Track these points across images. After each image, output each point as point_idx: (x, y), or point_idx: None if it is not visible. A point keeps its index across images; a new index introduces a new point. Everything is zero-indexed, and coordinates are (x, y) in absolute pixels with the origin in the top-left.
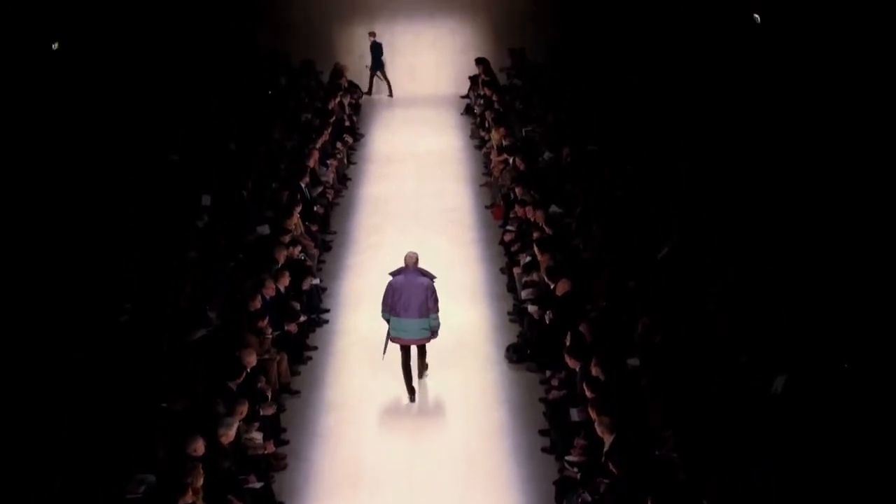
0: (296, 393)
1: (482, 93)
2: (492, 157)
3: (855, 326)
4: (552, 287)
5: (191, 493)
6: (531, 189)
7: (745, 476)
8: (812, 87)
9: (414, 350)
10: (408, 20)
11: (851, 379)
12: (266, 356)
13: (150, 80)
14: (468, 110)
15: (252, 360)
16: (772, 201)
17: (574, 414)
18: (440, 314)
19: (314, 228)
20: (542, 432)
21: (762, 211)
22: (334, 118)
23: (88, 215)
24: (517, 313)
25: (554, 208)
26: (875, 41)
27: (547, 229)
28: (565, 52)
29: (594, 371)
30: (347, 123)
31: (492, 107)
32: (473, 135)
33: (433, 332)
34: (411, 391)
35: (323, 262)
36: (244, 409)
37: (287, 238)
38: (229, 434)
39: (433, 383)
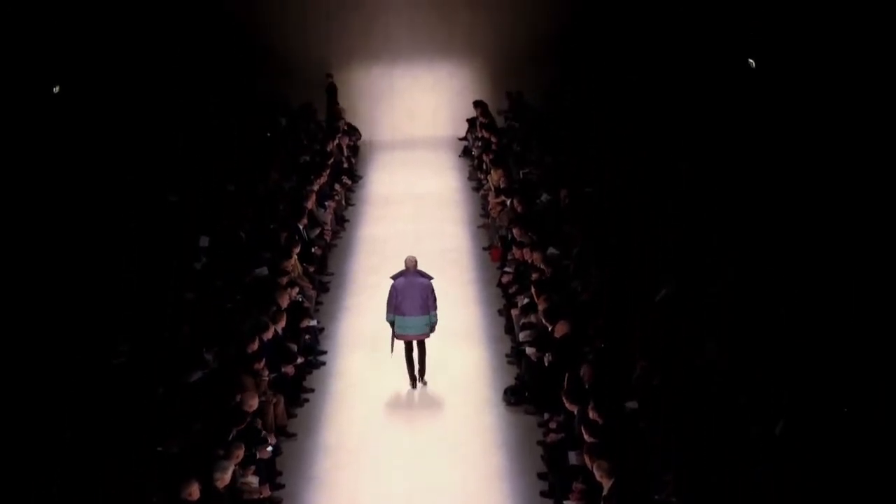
0: (292, 436)
1: (480, 135)
2: (489, 198)
3: (855, 365)
4: (550, 329)
5: None
6: (529, 231)
7: None
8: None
9: (415, 345)
10: (407, 63)
11: (851, 423)
12: (263, 398)
13: (150, 122)
14: (466, 152)
15: (253, 403)
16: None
17: (573, 457)
18: (438, 312)
19: (312, 269)
20: (541, 476)
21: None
22: (333, 160)
23: (86, 257)
24: (515, 355)
25: (552, 250)
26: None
27: (545, 271)
28: (563, 95)
29: (592, 414)
30: (346, 165)
31: (490, 149)
32: (471, 176)
33: (431, 328)
34: (413, 379)
35: (321, 303)
36: (240, 453)
37: (286, 280)
38: (225, 478)
39: (430, 424)
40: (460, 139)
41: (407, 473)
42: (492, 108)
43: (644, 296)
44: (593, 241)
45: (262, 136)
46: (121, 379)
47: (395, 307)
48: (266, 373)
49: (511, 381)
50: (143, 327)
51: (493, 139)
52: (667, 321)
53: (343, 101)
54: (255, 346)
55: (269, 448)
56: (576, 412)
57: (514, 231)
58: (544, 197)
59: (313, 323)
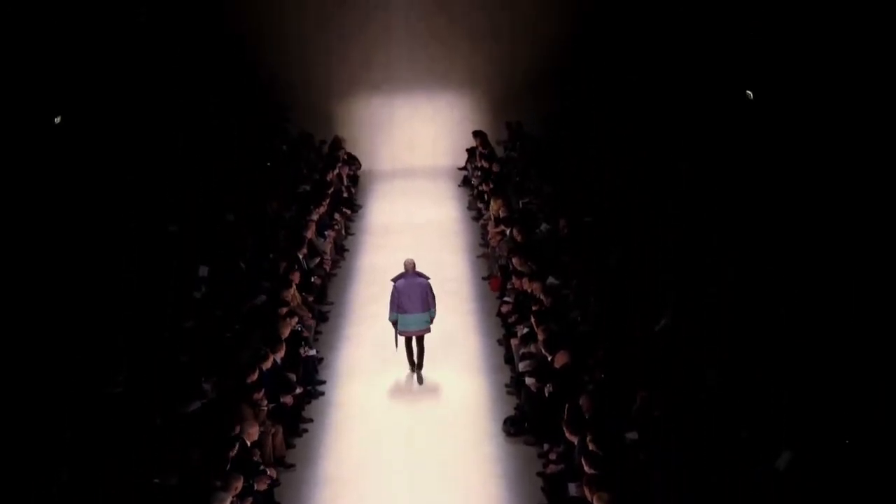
0: (290, 466)
1: (479, 165)
2: (489, 228)
3: (857, 394)
4: (550, 359)
5: None
6: (528, 260)
7: None
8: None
9: (414, 339)
10: (407, 94)
11: (853, 454)
12: (261, 428)
13: (152, 150)
14: (465, 182)
15: (254, 433)
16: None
17: (573, 489)
18: (437, 311)
19: (311, 299)
20: None
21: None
22: (332, 189)
23: (86, 286)
24: (515, 385)
25: (551, 280)
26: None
27: (544, 301)
28: (562, 125)
29: (592, 446)
30: (346, 195)
31: (489, 179)
32: (471, 206)
33: (430, 320)
34: (412, 363)
35: (320, 332)
36: (238, 485)
37: (286, 310)
38: None
39: (429, 455)
40: (460, 169)
41: None
42: (491, 139)
43: (644, 326)
44: (593, 271)
45: (263, 165)
46: (118, 409)
47: (398, 306)
48: (265, 403)
49: (511, 412)
50: (141, 356)
51: (492, 169)
52: (667, 351)
53: (343, 131)
54: (255, 376)
55: (268, 480)
56: (576, 443)
57: (514, 261)
58: (544, 226)
59: (312, 352)
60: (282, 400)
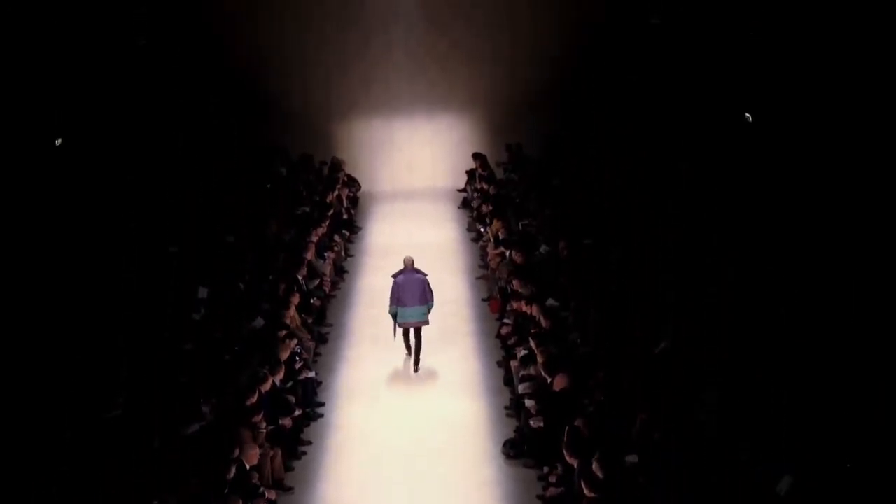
0: (289, 489)
1: (479, 186)
2: (489, 249)
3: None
4: (549, 381)
5: None
6: (528, 282)
7: None
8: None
9: (412, 332)
10: (407, 115)
11: (854, 478)
12: (260, 451)
13: (150, 171)
14: (465, 204)
15: (254, 455)
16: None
17: None
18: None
19: (310, 321)
20: None
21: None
22: (332, 211)
23: (85, 307)
24: (514, 407)
25: (551, 302)
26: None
27: (544, 323)
28: (562, 146)
29: (592, 468)
30: (345, 216)
31: (488, 200)
32: (470, 228)
33: (428, 311)
34: (408, 348)
35: (319, 354)
36: None
37: (285, 333)
38: None
39: (429, 477)
40: (459, 191)
41: None
42: (491, 160)
43: (644, 348)
44: (592, 293)
45: (263, 186)
46: (117, 431)
47: (398, 300)
48: (264, 425)
49: (510, 434)
50: (139, 378)
51: (492, 190)
52: (667, 374)
53: (343, 153)
54: (254, 398)
55: (267, 502)
56: (576, 466)
57: (514, 283)
58: (543, 248)
59: (312, 374)
60: (281, 422)
